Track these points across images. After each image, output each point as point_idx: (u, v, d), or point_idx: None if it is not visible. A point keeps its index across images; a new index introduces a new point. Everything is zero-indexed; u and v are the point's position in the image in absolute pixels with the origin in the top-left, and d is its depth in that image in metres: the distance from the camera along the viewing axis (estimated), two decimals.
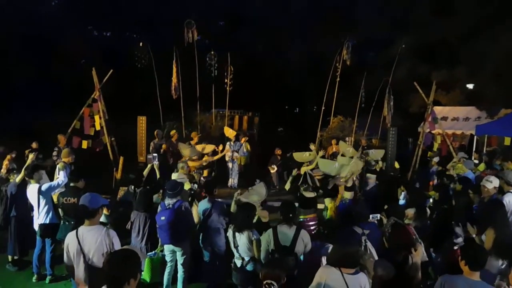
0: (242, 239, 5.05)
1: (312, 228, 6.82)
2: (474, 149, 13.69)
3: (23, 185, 6.99)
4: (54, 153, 10.25)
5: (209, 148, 11.09)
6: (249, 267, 5.06)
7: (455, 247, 5.16)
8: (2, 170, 8.63)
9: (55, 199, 6.77)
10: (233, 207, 6.07)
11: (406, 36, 18.11)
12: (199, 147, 10.75)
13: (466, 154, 11.24)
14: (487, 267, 4.24)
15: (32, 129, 13.73)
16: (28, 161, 7.13)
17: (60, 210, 6.36)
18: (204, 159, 10.28)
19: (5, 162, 9.04)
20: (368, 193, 9.18)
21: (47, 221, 6.51)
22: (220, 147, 11.67)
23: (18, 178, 6.98)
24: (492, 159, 11.03)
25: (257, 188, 6.25)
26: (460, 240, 5.58)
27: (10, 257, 7.22)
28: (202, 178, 9.19)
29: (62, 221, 6.33)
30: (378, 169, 9.65)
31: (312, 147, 9.72)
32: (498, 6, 17.80)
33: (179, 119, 14.48)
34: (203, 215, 6.14)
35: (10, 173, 8.15)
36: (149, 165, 7.69)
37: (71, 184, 6.47)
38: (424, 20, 19.94)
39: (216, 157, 11.07)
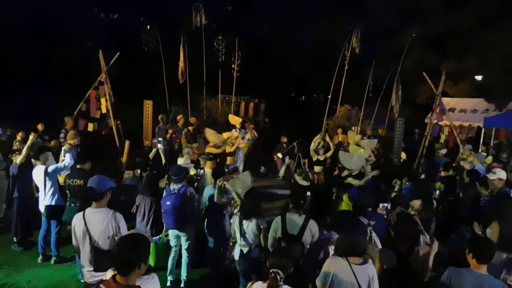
0: (250, 226, 5.04)
1: None
2: (481, 142, 13.58)
3: (26, 166, 7.02)
4: (61, 135, 10.27)
5: (237, 120, 11.16)
6: (254, 254, 5.06)
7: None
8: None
9: (61, 181, 6.79)
10: (216, 196, 5.81)
11: (416, 26, 17.90)
12: (225, 135, 10.65)
13: (472, 146, 11.15)
14: (493, 260, 4.24)
15: (39, 111, 13.73)
16: (28, 142, 7.13)
17: (67, 191, 6.37)
18: (226, 146, 10.31)
19: (16, 143, 9.09)
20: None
21: (53, 203, 6.54)
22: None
23: (19, 159, 7.00)
24: (499, 152, 10.96)
25: (242, 177, 5.96)
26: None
27: (15, 238, 7.28)
28: (230, 166, 9.29)
29: (68, 203, 6.35)
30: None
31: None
32: None
33: (185, 104, 14.43)
34: (209, 201, 6.13)
35: (13, 154, 8.21)
36: (154, 149, 7.68)
37: (78, 166, 6.49)
38: (434, 10, 19.70)
39: (240, 144, 11.09)
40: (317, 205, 4.93)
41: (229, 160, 10.65)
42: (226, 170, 8.71)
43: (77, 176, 6.31)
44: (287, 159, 8.23)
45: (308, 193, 6.21)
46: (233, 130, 12.63)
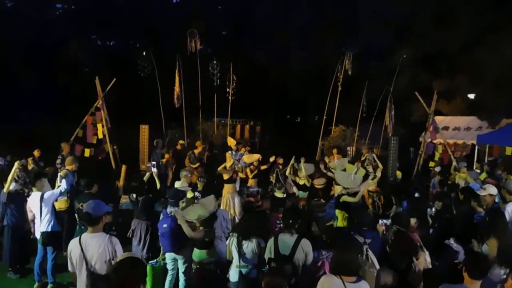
0: (250, 246, 5.06)
1: (279, 226, 6.82)
2: (475, 159, 13.69)
3: (17, 193, 7.04)
4: (58, 161, 10.30)
5: (254, 157, 10.75)
6: (253, 275, 5.07)
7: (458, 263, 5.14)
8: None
9: (57, 207, 6.80)
10: (184, 228, 5.44)
11: (408, 46, 18.23)
12: (245, 158, 10.55)
13: (467, 163, 11.23)
14: (489, 275, 4.26)
15: (36, 137, 13.79)
16: (12, 170, 7.14)
17: (76, 215, 6.40)
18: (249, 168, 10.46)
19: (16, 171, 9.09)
20: None
21: (49, 229, 6.52)
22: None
23: (5, 188, 7.01)
24: (494, 169, 11.04)
25: (204, 202, 5.73)
26: (461, 256, 5.57)
27: (9, 267, 7.23)
28: (250, 189, 9.28)
29: (78, 226, 6.39)
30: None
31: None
32: (499, 16, 17.90)
33: (181, 127, 14.53)
34: None
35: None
36: (147, 173, 7.73)
37: (86, 191, 6.59)
38: (425, 29, 20.07)
39: (263, 167, 11.10)
40: (286, 218, 4.97)
41: (250, 182, 10.57)
42: (247, 193, 8.76)
43: (85, 200, 6.31)
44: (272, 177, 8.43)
45: None
46: (228, 153, 12.70)
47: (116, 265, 2.94)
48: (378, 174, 8.91)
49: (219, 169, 9.49)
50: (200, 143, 12.45)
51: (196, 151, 11.81)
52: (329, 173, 9.85)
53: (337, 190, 8.96)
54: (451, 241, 5.60)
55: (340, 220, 7.26)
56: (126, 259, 3.11)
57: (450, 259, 5.34)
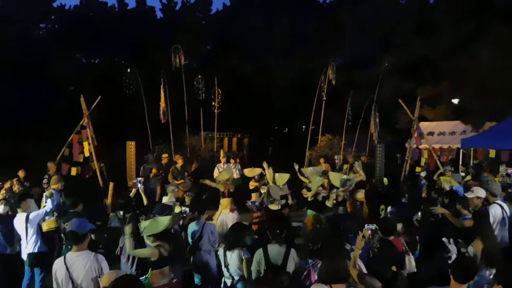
0: (232, 257, 5.06)
1: None
2: (460, 163, 13.86)
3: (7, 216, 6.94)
4: (45, 181, 10.20)
5: (256, 171, 10.52)
6: (239, 286, 5.05)
7: (449, 261, 5.20)
8: None
9: (46, 227, 6.73)
10: (127, 243, 5.11)
11: (391, 54, 18.53)
12: (246, 171, 10.46)
13: (452, 167, 11.38)
14: (477, 277, 4.31)
15: (21, 157, 13.65)
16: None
17: (62, 235, 6.33)
18: (251, 183, 10.36)
19: (2, 192, 9.00)
20: None
21: (36, 250, 6.43)
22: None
23: None
24: (479, 172, 11.18)
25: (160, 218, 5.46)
26: (453, 255, 5.63)
27: None
28: (249, 202, 9.20)
29: (64, 246, 6.30)
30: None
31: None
32: (479, 23, 18.31)
33: (168, 142, 14.51)
34: (192, 238, 6.14)
35: None
36: (133, 190, 7.70)
37: (71, 210, 6.53)
38: (408, 37, 20.43)
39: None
40: (273, 229, 5.01)
41: (253, 197, 10.40)
42: (252, 208, 8.64)
43: (71, 219, 6.23)
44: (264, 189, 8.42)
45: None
46: (218, 165, 12.72)
47: (112, 285, 2.94)
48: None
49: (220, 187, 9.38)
50: (179, 157, 12.34)
51: (177, 166, 11.76)
52: (302, 178, 9.79)
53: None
54: (448, 241, 5.67)
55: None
56: (121, 278, 3.11)
57: (442, 256, 5.42)
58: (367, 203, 8.39)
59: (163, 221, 5.18)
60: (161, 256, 4.92)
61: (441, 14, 20.08)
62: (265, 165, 9.27)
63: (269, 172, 8.92)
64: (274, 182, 8.52)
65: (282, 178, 8.84)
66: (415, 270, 4.91)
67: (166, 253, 4.96)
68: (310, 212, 7.74)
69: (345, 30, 22.81)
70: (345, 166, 13.28)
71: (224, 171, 10.11)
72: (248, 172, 10.19)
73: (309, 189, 8.51)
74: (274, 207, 7.66)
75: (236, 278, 5.07)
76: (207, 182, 9.85)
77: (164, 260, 4.92)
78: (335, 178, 8.42)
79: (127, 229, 5.03)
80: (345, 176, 8.48)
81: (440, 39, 19.02)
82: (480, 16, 18.55)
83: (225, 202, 7.34)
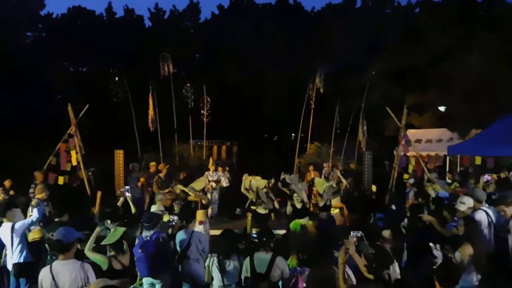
0: (232, 264, 5.06)
1: None
2: (447, 169, 14.01)
3: None
4: (31, 190, 10.06)
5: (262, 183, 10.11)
6: None
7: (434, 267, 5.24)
8: None
9: (31, 237, 6.65)
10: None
11: (378, 62, 18.75)
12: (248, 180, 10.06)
13: (438, 174, 11.49)
14: (463, 282, 4.36)
15: (7, 166, 13.49)
16: None
17: (46, 245, 6.25)
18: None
19: None
20: None
21: (21, 260, 6.36)
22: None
23: None
24: (466, 179, 11.31)
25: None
26: (439, 260, 5.67)
27: None
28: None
29: (49, 256, 6.22)
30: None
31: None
32: (465, 30, 18.63)
33: (157, 151, 14.46)
34: (180, 247, 6.11)
35: None
36: (121, 198, 7.67)
37: (56, 219, 6.42)
38: (394, 45, 20.72)
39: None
40: (261, 236, 5.07)
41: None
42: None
43: (55, 229, 6.17)
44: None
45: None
46: (206, 173, 12.70)
47: None
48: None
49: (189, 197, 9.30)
50: (163, 166, 12.28)
51: (161, 175, 11.69)
52: (284, 189, 9.77)
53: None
54: (434, 246, 5.72)
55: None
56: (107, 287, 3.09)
57: (428, 261, 5.46)
58: (354, 209, 8.49)
59: (118, 232, 5.23)
60: (110, 267, 4.91)
61: (426, 22, 20.39)
62: (245, 177, 9.35)
63: (255, 179, 9.03)
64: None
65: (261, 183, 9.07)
66: (399, 277, 4.95)
67: (119, 266, 4.97)
68: (297, 220, 7.78)
69: (333, 38, 23.05)
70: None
71: (199, 181, 9.95)
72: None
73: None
74: (261, 210, 7.75)
75: (233, 285, 5.07)
76: (179, 187, 9.71)
77: (113, 272, 4.87)
78: (319, 184, 8.53)
79: (97, 230, 5.32)
80: (328, 183, 8.60)
81: (427, 47, 19.29)
82: (466, 23, 18.89)
83: (197, 214, 7.28)
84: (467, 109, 16.87)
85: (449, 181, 11.21)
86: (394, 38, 21.20)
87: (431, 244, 5.80)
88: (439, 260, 5.67)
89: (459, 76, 17.58)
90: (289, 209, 8.67)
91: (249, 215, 7.50)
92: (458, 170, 14.09)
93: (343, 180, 9.94)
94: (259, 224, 7.90)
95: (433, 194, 8.59)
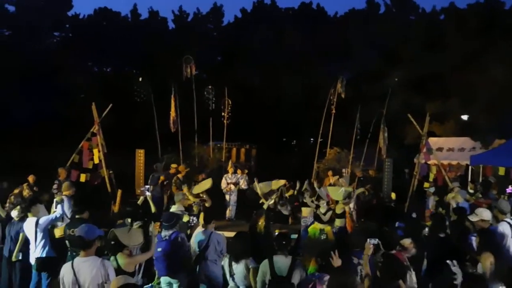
0: (238, 267, 5.08)
1: None
2: (469, 179, 13.76)
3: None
4: (55, 186, 10.31)
5: (280, 183, 10.28)
6: None
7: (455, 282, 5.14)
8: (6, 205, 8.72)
9: (58, 234, 6.80)
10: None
11: (400, 69, 18.57)
12: (273, 183, 9.99)
13: (460, 184, 11.30)
14: None
15: (32, 163, 13.81)
16: None
17: (66, 241, 6.38)
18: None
19: (11, 197, 9.12)
20: None
21: (44, 255, 6.51)
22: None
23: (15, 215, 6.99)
24: (487, 189, 11.10)
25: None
26: (458, 277, 5.57)
27: None
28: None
29: (69, 252, 6.35)
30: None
31: None
32: (489, 38, 18.33)
33: (177, 152, 14.60)
34: (199, 247, 6.16)
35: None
36: (141, 197, 7.76)
37: (77, 216, 6.55)
38: (417, 52, 20.49)
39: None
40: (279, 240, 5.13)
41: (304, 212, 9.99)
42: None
43: (76, 225, 6.29)
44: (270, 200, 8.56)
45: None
46: (225, 175, 12.77)
47: None
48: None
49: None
50: (183, 167, 12.35)
51: (180, 176, 11.77)
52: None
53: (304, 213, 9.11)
54: (452, 263, 5.62)
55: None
56: (125, 286, 3.14)
57: (448, 280, 5.36)
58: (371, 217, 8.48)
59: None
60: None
61: (450, 29, 20.12)
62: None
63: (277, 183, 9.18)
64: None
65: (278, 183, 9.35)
66: (415, 286, 4.89)
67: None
68: (316, 225, 7.79)
69: (355, 44, 22.91)
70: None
71: (201, 184, 9.86)
72: (274, 184, 10.07)
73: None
74: (285, 211, 7.92)
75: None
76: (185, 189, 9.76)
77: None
78: (334, 192, 8.48)
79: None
80: (343, 189, 8.55)
81: (450, 54, 19.03)
82: (489, 32, 18.58)
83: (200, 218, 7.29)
84: (490, 118, 16.56)
85: (471, 191, 11.00)
86: (417, 45, 20.94)
87: (448, 261, 5.70)
88: (459, 278, 5.56)
89: (482, 85, 17.29)
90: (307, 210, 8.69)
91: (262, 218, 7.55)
92: (480, 180, 13.82)
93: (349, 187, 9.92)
94: (281, 225, 8.16)
95: (453, 204, 8.46)
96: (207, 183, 9.59)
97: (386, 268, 4.39)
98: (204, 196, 8.82)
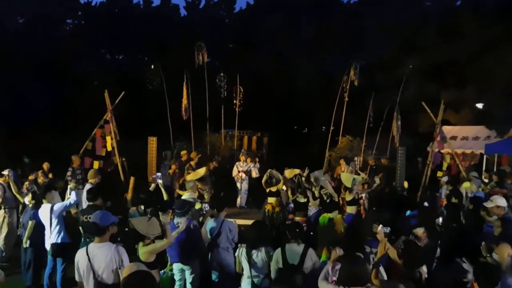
0: (259, 255, 5.09)
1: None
2: (484, 169, 13.57)
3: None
4: (68, 173, 10.44)
5: (295, 172, 10.06)
6: (265, 284, 5.09)
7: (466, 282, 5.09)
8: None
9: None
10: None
11: (414, 56, 18.27)
12: (286, 172, 9.87)
13: (477, 173, 11.15)
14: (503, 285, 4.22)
15: (45, 150, 13.96)
16: None
17: (80, 228, 6.46)
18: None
19: (26, 184, 9.26)
20: None
21: (59, 241, 6.60)
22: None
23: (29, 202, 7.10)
24: (502, 178, 10.93)
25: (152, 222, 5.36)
26: (470, 276, 5.52)
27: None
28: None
29: (83, 238, 6.44)
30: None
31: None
32: (505, 26, 17.93)
33: (189, 139, 14.64)
34: (211, 234, 6.19)
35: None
36: (153, 184, 7.81)
37: (90, 203, 6.64)
38: (432, 40, 20.13)
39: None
40: (292, 228, 5.21)
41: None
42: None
43: (90, 212, 6.37)
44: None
45: None
46: (237, 163, 12.79)
47: (125, 281, 2.99)
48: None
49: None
50: (195, 154, 12.38)
51: (192, 163, 11.80)
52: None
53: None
54: (461, 260, 5.56)
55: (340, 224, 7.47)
56: (135, 273, 3.16)
57: (458, 275, 5.32)
58: (383, 206, 8.43)
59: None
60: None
61: (466, 16, 19.69)
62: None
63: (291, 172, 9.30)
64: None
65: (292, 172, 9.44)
66: (426, 276, 4.86)
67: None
68: (325, 214, 7.77)
69: (369, 31, 22.58)
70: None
71: (196, 171, 9.76)
72: (288, 173, 10.04)
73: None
74: (302, 199, 8.05)
75: (262, 276, 5.10)
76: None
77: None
78: (347, 179, 8.44)
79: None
80: (356, 177, 8.56)
81: (466, 42, 18.67)
82: (506, 19, 18.16)
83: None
84: (506, 107, 16.28)
85: (486, 180, 10.85)
86: (432, 32, 20.56)
87: (457, 259, 5.64)
88: (470, 275, 5.50)
89: (498, 73, 16.97)
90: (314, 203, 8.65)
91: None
92: (495, 169, 13.62)
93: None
94: (300, 212, 8.35)
95: (469, 193, 8.36)
96: (201, 171, 9.59)
97: (409, 255, 4.35)
98: (200, 186, 8.91)
